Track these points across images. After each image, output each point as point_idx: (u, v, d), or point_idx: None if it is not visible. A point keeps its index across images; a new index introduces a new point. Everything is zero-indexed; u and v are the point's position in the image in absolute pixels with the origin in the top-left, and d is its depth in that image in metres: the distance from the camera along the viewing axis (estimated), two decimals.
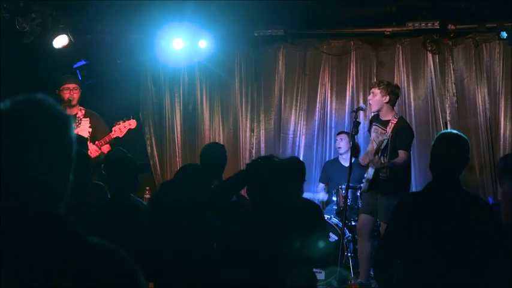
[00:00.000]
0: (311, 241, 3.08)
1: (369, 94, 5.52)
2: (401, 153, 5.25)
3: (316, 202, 6.49)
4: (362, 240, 5.42)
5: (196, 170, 3.36)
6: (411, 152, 5.66)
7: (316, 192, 6.84)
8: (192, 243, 3.01)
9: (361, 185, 5.57)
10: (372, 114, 5.45)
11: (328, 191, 6.75)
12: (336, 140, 6.82)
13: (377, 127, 5.44)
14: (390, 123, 5.34)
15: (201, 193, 3.16)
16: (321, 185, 6.87)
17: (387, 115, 5.40)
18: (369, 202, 5.42)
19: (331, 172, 6.73)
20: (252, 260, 2.88)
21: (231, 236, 3.06)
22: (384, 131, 5.34)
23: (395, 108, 5.61)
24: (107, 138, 5.65)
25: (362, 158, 5.50)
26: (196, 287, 2.99)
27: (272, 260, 2.87)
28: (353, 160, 5.57)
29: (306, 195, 6.59)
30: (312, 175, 7.21)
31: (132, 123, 5.76)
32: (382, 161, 5.26)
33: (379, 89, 5.37)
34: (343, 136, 6.69)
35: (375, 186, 5.34)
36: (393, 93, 5.42)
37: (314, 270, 3.70)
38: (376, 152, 5.25)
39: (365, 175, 5.47)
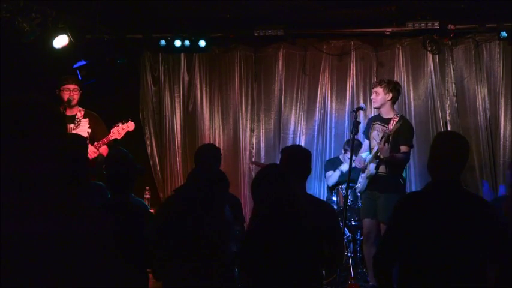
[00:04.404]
0: (328, 244, 3.06)
1: (371, 94, 5.55)
2: (404, 148, 5.36)
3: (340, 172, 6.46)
4: (369, 245, 5.43)
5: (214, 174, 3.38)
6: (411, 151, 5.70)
7: (328, 176, 6.74)
8: (208, 244, 3.01)
9: (358, 185, 5.57)
10: (371, 114, 5.46)
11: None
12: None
13: (378, 125, 5.48)
14: (392, 121, 5.41)
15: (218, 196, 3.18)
16: (330, 172, 6.78)
17: (389, 113, 5.50)
18: (369, 205, 5.44)
19: (335, 166, 6.69)
20: (267, 264, 2.87)
21: (247, 241, 3.04)
22: (385, 128, 5.41)
23: (396, 107, 5.64)
24: (105, 140, 5.64)
25: (358, 162, 5.50)
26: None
27: (288, 264, 2.86)
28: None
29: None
30: (312, 174, 7.20)
31: (130, 126, 5.75)
32: (380, 156, 5.32)
33: (381, 87, 5.45)
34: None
35: (373, 184, 5.40)
36: (396, 90, 5.51)
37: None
38: (385, 142, 5.25)
39: (362, 174, 5.49)
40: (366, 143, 5.68)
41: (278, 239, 2.86)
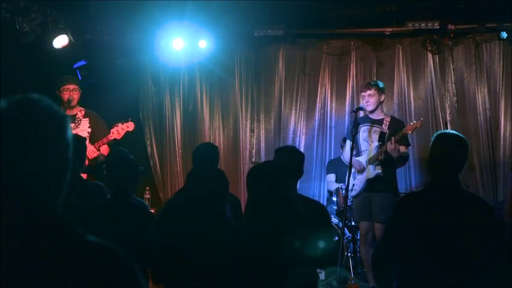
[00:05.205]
0: (317, 242, 3.06)
1: (363, 97, 5.55)
2: (405, 148, 5.44)
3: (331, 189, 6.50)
4: (366, 247, 5.47)
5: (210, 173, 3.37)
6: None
7: (329, 182, 6.75)
8: (206, 246, 3.01)
9: (356, 188, 5.55)
10: (354, 117, 5.44)
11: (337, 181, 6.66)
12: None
13: (369, 127, 5.51)
14: (385, 121, 5.51)
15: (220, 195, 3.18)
16: (331, 175, 6.79)
17: (380, 114, 5.58)
18: (364, 207, 5.48)
19: (336, 167, 6.70)
20: (257, 261, 2.86)
21: (239, 238, 3.04)
22: (379, 129, 5.47)
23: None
24: (105, 140, 5.66)
25: (358, 165, 5.50)
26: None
27: (278, 262, 2.86)
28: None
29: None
30: (312, 174, 7.23)
31: (130, 126, 5.77)
32: (381, 157, 5.35)
33: (375, 89, 5.49)
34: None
35: (369, 184, 5.46)
36: (384, 92, 5.67)
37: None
38: (395, 142, 5.28)
39: (358, 177, 5.50)
40: (348, 143, 5.67)
41: (272, 237, 2.86)
